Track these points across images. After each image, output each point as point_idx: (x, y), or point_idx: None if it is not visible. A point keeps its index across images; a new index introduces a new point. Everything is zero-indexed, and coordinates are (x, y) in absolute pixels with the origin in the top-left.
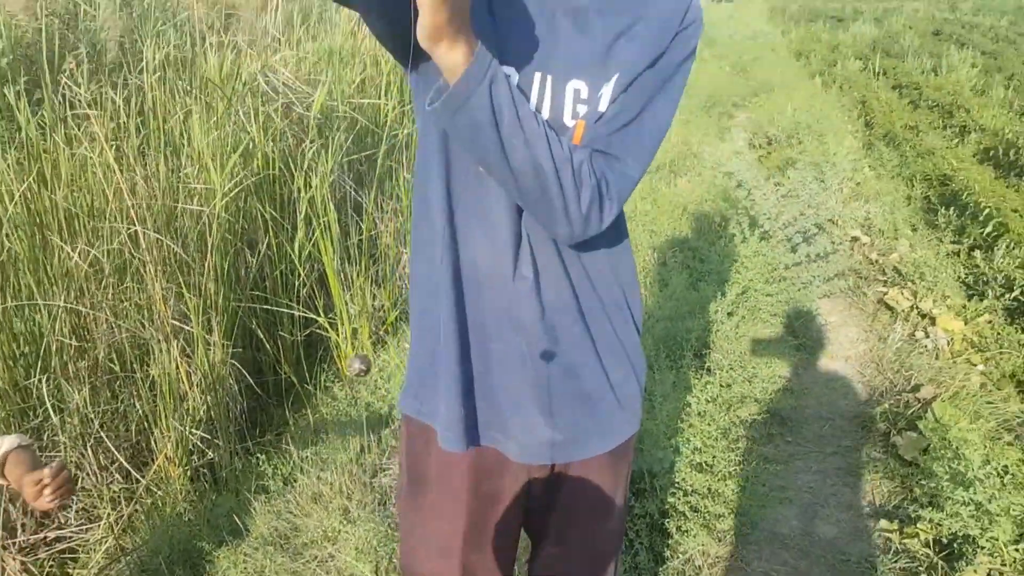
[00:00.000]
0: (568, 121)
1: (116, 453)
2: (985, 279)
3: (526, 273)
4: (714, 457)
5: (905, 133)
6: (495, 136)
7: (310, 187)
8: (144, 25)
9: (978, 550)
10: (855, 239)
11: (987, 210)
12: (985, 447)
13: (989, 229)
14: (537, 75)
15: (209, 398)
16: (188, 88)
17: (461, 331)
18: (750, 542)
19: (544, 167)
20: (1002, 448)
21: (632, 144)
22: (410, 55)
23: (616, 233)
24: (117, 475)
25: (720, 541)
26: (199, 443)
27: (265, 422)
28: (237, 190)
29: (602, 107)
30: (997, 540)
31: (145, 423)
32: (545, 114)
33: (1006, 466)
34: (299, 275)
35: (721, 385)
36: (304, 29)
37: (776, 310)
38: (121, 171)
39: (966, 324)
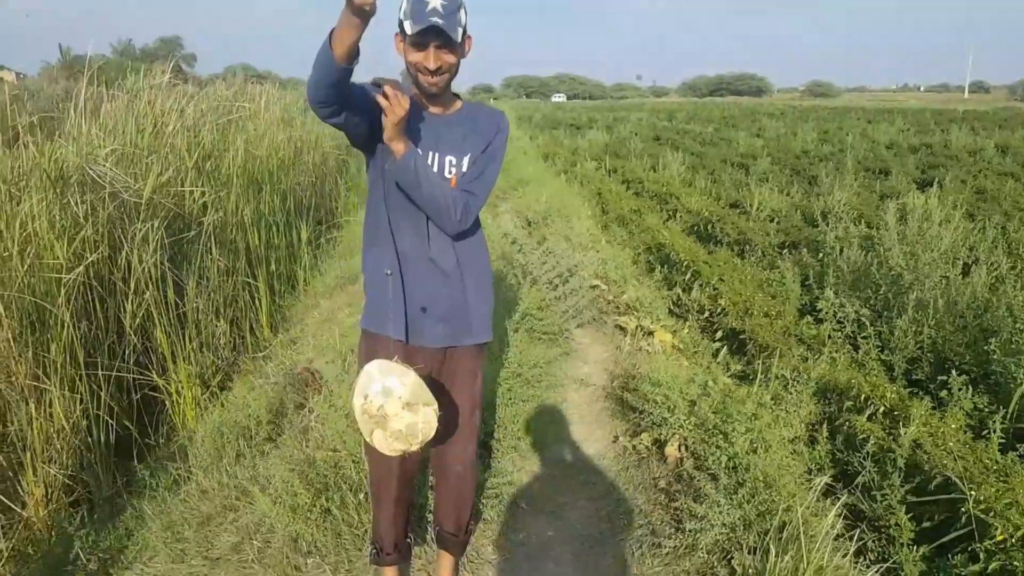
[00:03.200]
0: (446, 175)
1: None
2: (686, 307)
3: (433, 250)
4: (516, 399)
5: (631, 215)
6: (417, 182)
7: (140, 265)
8: None
9: (672, 431)
10: (595, 285)
11: (687, 263)
12: (678, 390)
13: (688, 276)
14: (431, 152)
15: (70, 444)
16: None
17: (398, 283)
18: (543, 456)
19: (439, 196)
20: (687, 382)
21: (479, 186)
22: (374, 149)
23: (476, 230)
24: None
25: (519, 452)
26: (68, 482)
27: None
28: (79, 268)
29: (464, 169)
30: (679, 419)
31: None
32: (434, 170)
33: (680, 381)
34: (131, 343)
35: (520, 373)
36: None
37: (547, 330)
38: None
39: (673, 336)
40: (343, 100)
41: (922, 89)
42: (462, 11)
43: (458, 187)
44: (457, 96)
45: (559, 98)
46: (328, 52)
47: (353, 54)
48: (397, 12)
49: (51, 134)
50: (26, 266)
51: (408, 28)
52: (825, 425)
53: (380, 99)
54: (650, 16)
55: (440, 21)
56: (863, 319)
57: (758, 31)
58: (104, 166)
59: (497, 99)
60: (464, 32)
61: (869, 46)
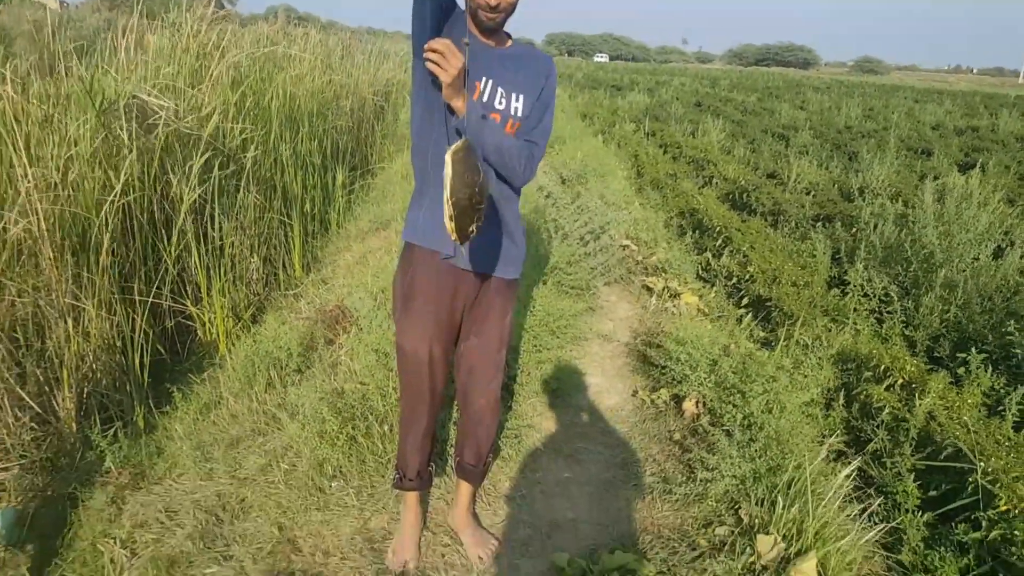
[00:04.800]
0: (496, 105)
1: (29, 400)
2: (715, 272)
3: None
4: (542, 347)
5: (666, 179)
6: (482, 138)
7: (180, 196)
8: None
9: (691, 387)
10: (626, 246)
11: (719, 229)
12: (701, 349)
13: (719, 242)
14: (486, 79)
15: (103, 362)
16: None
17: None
18: (563, 403)
19: (504, 148)
20: (710, 343)
21: (539, 136)
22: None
23: (516, 189)
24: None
25: (539, 398)
26: (102, 399)
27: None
28: (118, 192)
29: (517, 108)
30: (699, 376)
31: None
32: (484, 99)
33: (703, 341)
34: (168, 271)
35: (546, 323)
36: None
37: (575, 284)
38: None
39: (700, 299)
40: None
41: (975, 71)
42: None
43: (518, 136)
44: (509, 35)
45: (602, 58)
46: None
47: None
48: None
49: (90, 63)
50: (67, 189)
51: None
52: (842, 393)
53: (429, 61)
54: None
55: None
56: (891, 294)
57: (809, 3)
58: (151, 95)
59: None
60: None
61: (922, 24)
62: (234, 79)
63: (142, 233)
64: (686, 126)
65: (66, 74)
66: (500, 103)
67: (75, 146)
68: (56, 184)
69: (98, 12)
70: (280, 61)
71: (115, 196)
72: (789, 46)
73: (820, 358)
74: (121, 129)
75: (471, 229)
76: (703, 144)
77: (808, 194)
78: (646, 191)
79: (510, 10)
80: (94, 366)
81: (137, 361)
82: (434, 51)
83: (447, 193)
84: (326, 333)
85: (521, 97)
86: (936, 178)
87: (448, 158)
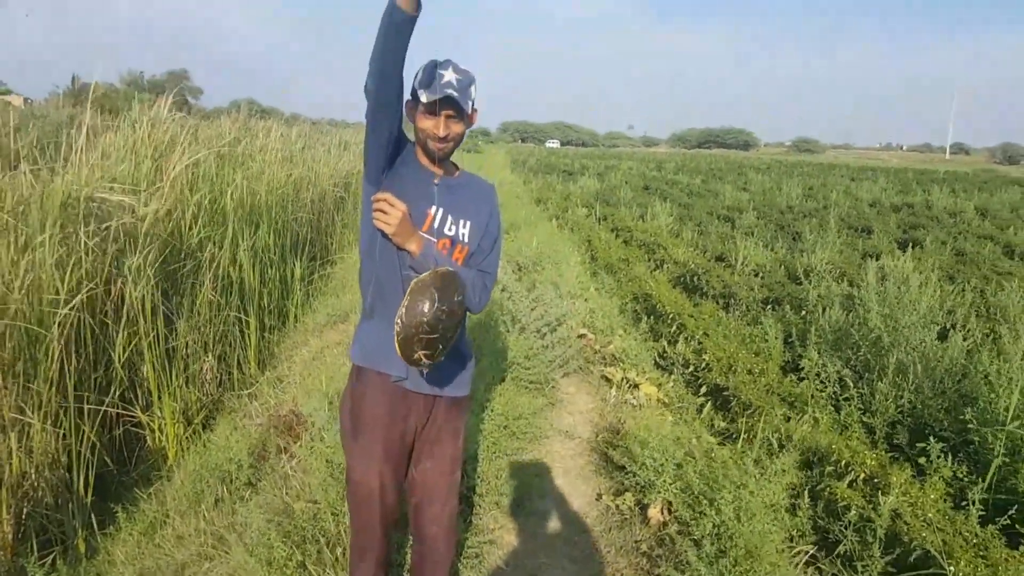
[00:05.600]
0: (449, 232)
1: None
2: (671, 360)
3: None
4: (501, 452)
5: (619, 264)
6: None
7: (133, 297)
8: None
9: (656, 493)
10: (583, 335)
11: (672, 316)
12: (663, 451)
13: (674, 329)
14: (441, 209)
15: (46, 480)
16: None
17: None
18: (525, 512)
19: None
20: (672, 442)
21: (490, 266)
22: (379, 172)
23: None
24: None
25: (500, 509)
26: (43, 520)
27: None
28: (75, 300)
29: (467, 235)
30: (664, 482)
31: None
32: (435, 225)
33: (666, 441)
34: (118, 376)
35: (506, 425)
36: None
37: (534, 379)
38: None
39: (659, 389)
40: (396, 90)
41: (905, 148)
42: (473, 87)
43: (468, 263)
44: (455, 165)
45: (553, 144)
46: (392, 3)
47: (417, 2)
48: (412, 81)
49: (51, 160)
50: (20, 296)
51: (423, 97)
52: (807, 491)
53: (376, 210)
54: (641, 70)
55: (455, 93)
56: (845, 379)
57: (747, 88)
58: (113, 195)
59: (493, 143)
60: (472, 105)
61: (854, 105)
62: (192, 177)
63: (93, 336)
64: (635, 209)
65: (27, 173)
66: (450, 230)
67: (33, 252)
68: (5, 295)
69: (61, 108)
70: (240, 158)
71: (71, 305)
72: (729, 129)
73: (783, 463)
74: (78, 230)
75: (417, 356)
76: (652, 228)
77: (756, 276)
78: (600, 275)
79: (458, 140)
80: (36, 484)
81: (82, 478)
82: (377, 208)
83: (398, 316)
84: (278, 441)
85: (468, 223)
86: (877, 257)
87: (411, 285)
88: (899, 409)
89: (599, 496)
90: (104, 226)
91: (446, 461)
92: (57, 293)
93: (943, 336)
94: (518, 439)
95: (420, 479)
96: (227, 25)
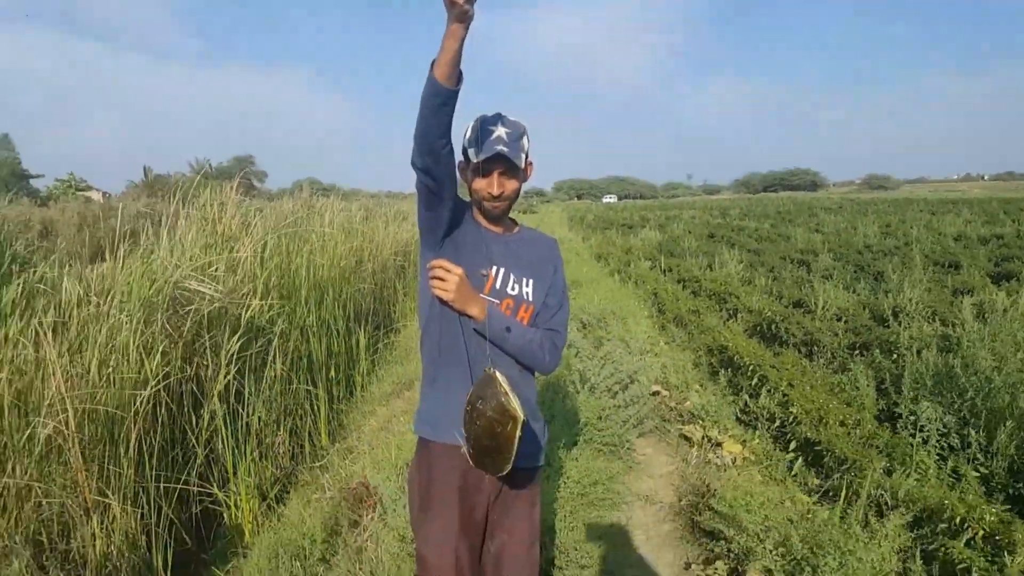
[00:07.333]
0: (510, 291)
1: None
2: (755, 415)
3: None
4: (579, 521)
5: (689, 316)
6: (504, 336)
7: (211, 378)
8: None
9: (756, 560)
10: (656, 392)
11: (752, 367)
12: (760, 515)
13: (755, 381)
14: (502, 268)
15: (127, 560)
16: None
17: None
18: None
19: (526, 343)
20: (766, 504)
21: (559, 324)
22: (439, 238)
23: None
24: None
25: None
26: None
27: None
28: (154, 383)
29: (531, 293)
30: (764, 547)
31: None
32: (497, 286)
33: (757, 502)
34: (195, 455)
35: (582, 492)
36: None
37: (608, 440)
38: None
39: (743, 447)
40: (445, 161)
41: (986, 178)
42: (524, 138)
43: (536, 322)
44: (515, 221)
45: (610, 199)
46: (432, 79)
47: (457, 75)
48: (461, 140)
49: (131, 250)
50: (103, 380)
51: (473, 156)
52: (918, 552)
53: (432, 278)
54: (698, 117)
55: (505, 149)
56: (949, 428)
57: (809, 126)
58: (198, 284)
59: (549, 202)
60: (526, 158)
61: (926, 136)
62: (261, 257)
63: (171, 418)
64: (701, 259)
65: (114, 260)
66: (512, 289)
67: (119, 335)
68: (91, 380)
69: (137, 200)
70: (305, 235)
71: (150, 388)
72: (795, 170)
73: (894, 524)
74: (161, 317)
75: (486, 462)
76: (722, 276)
77: (840, 320)
78: (670, 329)
79: (514, 197)
80: (118, 565)
81: (161, 557)
82: (434, 276)
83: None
84: (350, 514)
85: (531, 281)
86: (970, 292)
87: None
88: (1021, 457)
89: (687, 566)
90: (185, 310)
91: (524, 533)
92: (139, 375)
93: None
94: (596, 507)
95: (497, 554)
96: (291, 112)
